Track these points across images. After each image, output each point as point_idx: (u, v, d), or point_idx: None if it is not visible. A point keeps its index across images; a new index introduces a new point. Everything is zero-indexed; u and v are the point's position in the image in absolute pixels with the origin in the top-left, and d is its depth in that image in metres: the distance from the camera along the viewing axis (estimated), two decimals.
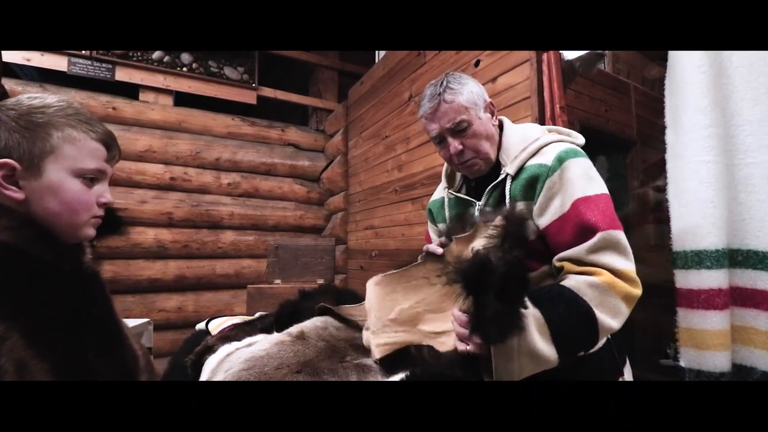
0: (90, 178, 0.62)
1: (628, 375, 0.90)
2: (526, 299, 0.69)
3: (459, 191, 0.99)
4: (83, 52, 2.54)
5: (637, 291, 0.75)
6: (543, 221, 0.82)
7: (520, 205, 0.82)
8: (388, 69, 2.58)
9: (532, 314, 0.67)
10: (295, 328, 1.01)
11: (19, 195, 0.57)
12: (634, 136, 2.67)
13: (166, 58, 2.79)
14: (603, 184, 0.82)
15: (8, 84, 2.34)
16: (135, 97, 2.75)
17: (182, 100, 2.96)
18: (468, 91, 0.87)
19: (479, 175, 0.93)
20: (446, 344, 0.76)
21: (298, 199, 3.21)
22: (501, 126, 0.94)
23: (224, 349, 0.99)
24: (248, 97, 3.06)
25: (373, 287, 0.88)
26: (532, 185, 0.83)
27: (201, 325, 1.46)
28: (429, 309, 0.82)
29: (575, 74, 1.65)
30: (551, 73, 1.43)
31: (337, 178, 3.17)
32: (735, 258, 0.95)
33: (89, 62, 2.56)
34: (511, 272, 0.60)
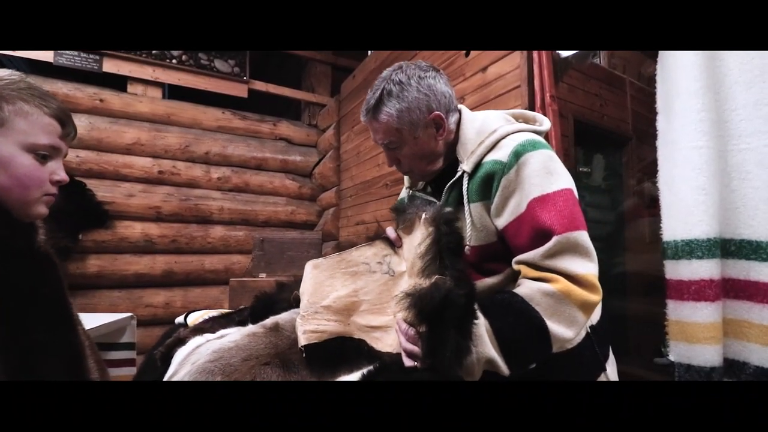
0: (42, 155, 0.60)
1: (611, 370, 0.86)
2: (477, 305, 0.67)
3: (423, 190, 0.95)
4: None
5: (596, 297, 0.70)
6: (500, 222, 0.78)
7: (447, 210, 0.77)
8: (380, 62, 2.54)
9: (482, 324, 0.65)
10: (270, 320, 0.97)
11: None
12: (629, 132, 2.64)
13: (155, 51, 2.75)
14: (565, 176, 0.76)
15: None
16: (123, 89, 2.70)
17: (173, 92, 2.92)
18: (404, 108, 0.78)
19: (429, 180, 0.89)
20: (381, 341, 0.74)
21: (289, 194, 3.17)
22: (460, 117, 0.88)
23: (194, 341, 0.95)
24: (239, 90, 3.01)
25: (311, 270, 0.84)
26: (489, 183, 0.78)
27: (180, 319, 1.42)
28: (366, 300, 0.78)
29: (568, 65, 1.61)
30: (542, 61, 1.39)
31: (328, 173, 3.13)
32: (727, 248, 0.91)
33: (76, 53, 2.51)
34: (470, 305, 0.62)
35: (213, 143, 2.89)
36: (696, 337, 0.90)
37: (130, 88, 2.72)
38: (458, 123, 0.85)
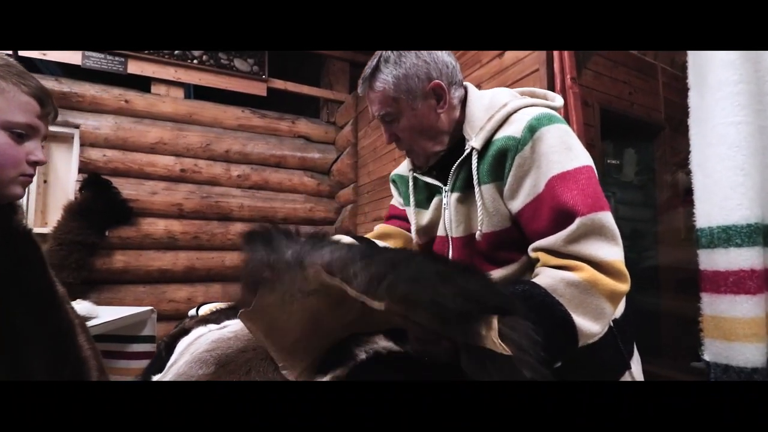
0: (19, 133, 0.58)
1: (636, 369, 0.78)
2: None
3: (427, 173, 0.86)
4: None
5: (624, 286, 0.63)
6: (515, 205, 0.71)
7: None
8: None
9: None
10: None
11: None
12: (662, 121, 2.48)
13: (177, 51, 2.81)
14: (584, 153, 0.69)
15: None
16: (147, 90, 2.78)
17: (197, 92, 2.99)
18: (401, 75, 0.72)
19: (432, 162, 0.81)
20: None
21: (308, 191, 3.17)
22: (466, 95, 0.81)
23: (197, 331, 0.93)
24: (258, 89, 3.04)
25: (251, 325, 0.64)
26: (501, 162, 0.71)
27: (192, 311, 1.43)
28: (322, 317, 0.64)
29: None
30: None
31: (346, 170, 3.11)
32: None
33: (102, 56, 2.60)
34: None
35: (233, 141, 2.93)
36: (735, 334, 0.81)
37: (154, 88, 2.80)
38: (464, 101, 0.79)
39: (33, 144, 0.61)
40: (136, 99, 2.71)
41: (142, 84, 2.77)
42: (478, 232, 0.74)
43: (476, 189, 0.74)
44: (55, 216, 2.42)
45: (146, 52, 2.71)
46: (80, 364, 0.66)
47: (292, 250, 0.49)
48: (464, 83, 0.81)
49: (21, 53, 2.26)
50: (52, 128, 2.54)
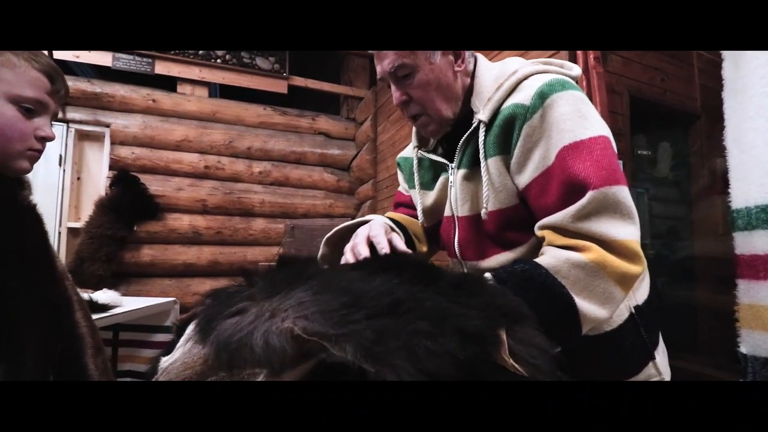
0: (27, 108, 0.60)
1: (661, 360, 0.72)
2: (492, 279, 0.56)
3: (433, 151, 0.80)
4: None
5: (637, 268, 0.57)
6: (522, 179, 0.65)
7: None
8: None
9: None
10: None
11: None
12: (697, 109, 2.34)
13: (201, 51, 2.88)
14: (601, 123, 0.63)
15: None
16: (173, 90, 2.87)
17: (223, 91, 3.06)
18: None
19: (444, 133, 0.76)
20: None
21: (327, 188, 3.19)
22: (475, 66, 0.75)
23: None
24: (279, 86, 3.09)
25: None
26: (508, 132, 0.65)
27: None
28: None
29: None
30: None
31: (365, 166, 3.11)
32: None
33: (131, 57, 2.70)
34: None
35: (255, 139, 2.98)
36: None
37: (180, 88, 2.89)
38: (473, 72, 0.74)
39: (42, 120, 0.62)
40: (163, 98, 2.80)
41: (169, 84, 2.86)
42: (483, 210, 0.69)
43: (482, 163, 0.69)
44: (87, 211, 2.54)
45: (172, 53, 2.80)
46: (75, 339, 0.67)
47: (255, 309, 0.40)
48: (475, 54, 0.77)
49: (56, 55, 2.38)
50: (85, 128, 2.66)
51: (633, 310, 0.69)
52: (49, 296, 0.62)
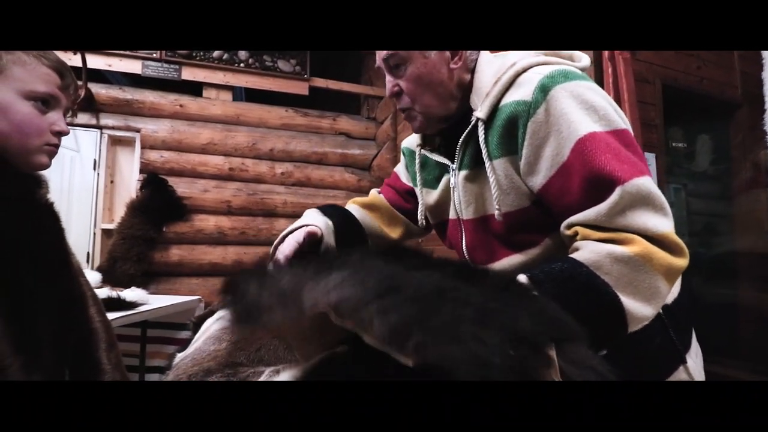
0: (42, 104, 0.62)
1: (694, 364, 0.66)
2: (528, 281, 0.52)
3: (436, 150, 0.78)
4: (154, 54, 2.79)
5: (682, 261, 0.53)
6: (536, 181, 0.61)
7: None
8: None
9: None
10: None
11: None
12: (738, 97, 2.19)
13: (225, 56, 2.96)
14: (615, 115, 0.59)
15: (94, 87, 2.65)
16: (199, 94, 2.95)
17: (248, 94, 3.12)
18: None
19: (433, 130, 0.73)
20: None
21: (348, 187, 3.19)
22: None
23: (221, 313, 0.96)
24: (300, 88, 3.12)
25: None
26: (512, 132, 0.62)
27: None
28: None
29: None
30: None
31: (386, 165, 3.09)
32: None
33: (159, 64, 2.81)
34: None
35: (277, 140, 3.03)
36: None
37: (205, 92, 2.97)
38: (474, 66, 0.71)
39: (56, 115, 0.64)
40: (190, 103, 2.89)
41: (195, 89, 2.95)
42: (496, 212, 0.66)
43: (487, 165, 0.65)
44: (120, 213, 2.65)
45: (198, 58, 2.88)
46: (89, 334, 0.69)
47: (285, 282, 0.38)
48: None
49: (89, 64, 2.50)
50: (117, 133, 2.77)
51: (660, 310, 0.64)
52: (64, 292, 0.64)
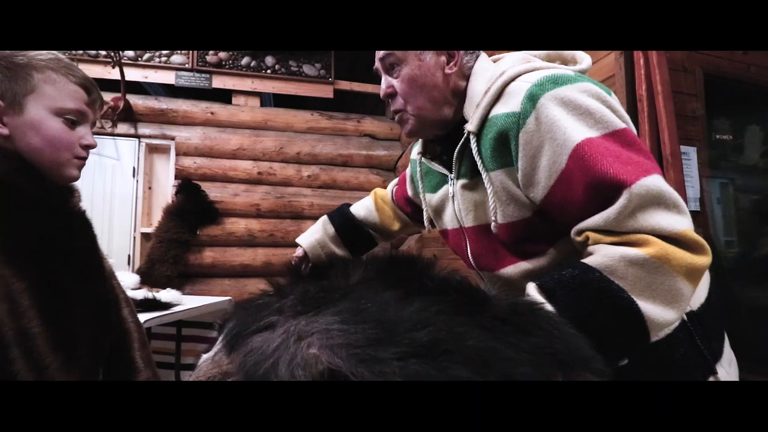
0: (71, 120, 0.65)
1: (726, 374, 0.61)
2: (537, 290, 0.51)
3: (437, 158, 0.76)
4: (186, 65, 2.91)
5: (705, 259, 0.49)
6: (537, 193, 0.59)
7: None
8: None
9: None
10: None
11: (3, 130, 0.62)
12: None
13: (253, 63, 3.04)
14: (611, 114, 0.55)
15: (132, 99, 2.80)
16: (228, 101, 3.06)
17: (276, 100, 3.20)
18: None
19: (426, 136, 0.73)
20: None
21: (374, 188, 3.20)
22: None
23: None
24: (325, 91, 3.16)
25: None
26: (504, 145, 0.60)
27: None
28: None
29: None
30: None
31: None
32: None
33: (191, 74, 2.92)
34: None
35: (303, 144, 3.09)
36: None
37: (234, 99, 3.07)
38: (470, 74, 0.68)
39: (84, 129, 0.68)
40: (220, 110, 2.99)
41: (225, 96, 3.05)
42: (493, 224, 0.65)
43: (484, 176, 0.64)
44: (157, 217, 2.78)
45: (227, 67, 2.98)
46: (123, 334, 0.73)
47: (283, 329, 0.39)
48: (478, 53, 0.70)
49: (128, 78, 2.64)
50: (154, 141, 2.90)
51: (685, 317, 0.60)
52: (99, 294, 0.68)
